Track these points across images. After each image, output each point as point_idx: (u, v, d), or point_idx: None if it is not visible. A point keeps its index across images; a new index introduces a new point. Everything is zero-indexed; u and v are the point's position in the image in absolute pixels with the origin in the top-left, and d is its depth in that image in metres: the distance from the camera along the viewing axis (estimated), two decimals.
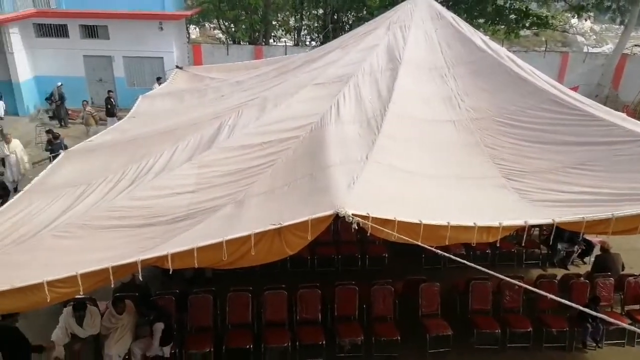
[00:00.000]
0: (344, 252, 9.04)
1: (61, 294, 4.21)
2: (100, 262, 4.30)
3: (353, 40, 9.36)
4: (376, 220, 4.04)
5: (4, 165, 11.74)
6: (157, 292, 7.52)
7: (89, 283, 4.19)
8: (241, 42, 22.32)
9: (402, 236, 4.09)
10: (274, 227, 4.10)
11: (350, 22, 23.12)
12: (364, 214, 3.98)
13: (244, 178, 5.92)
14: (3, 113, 17.08)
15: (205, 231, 4.72)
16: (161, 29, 17.82)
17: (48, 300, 4.17)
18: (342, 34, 15.57)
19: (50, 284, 4.06)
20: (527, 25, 20.68)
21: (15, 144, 11.88)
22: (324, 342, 6.78)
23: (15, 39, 16.85)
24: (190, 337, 6.89)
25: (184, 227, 5.00)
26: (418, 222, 4.22)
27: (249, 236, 4.11)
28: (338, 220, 4.23)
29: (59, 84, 16.94)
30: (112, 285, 4.35)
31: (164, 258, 4.22)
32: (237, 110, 7.68)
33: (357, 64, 7.96)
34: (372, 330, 7.03)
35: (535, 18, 20.24)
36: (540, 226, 8.25)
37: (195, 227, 4.88)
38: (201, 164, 6.43)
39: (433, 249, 3.96)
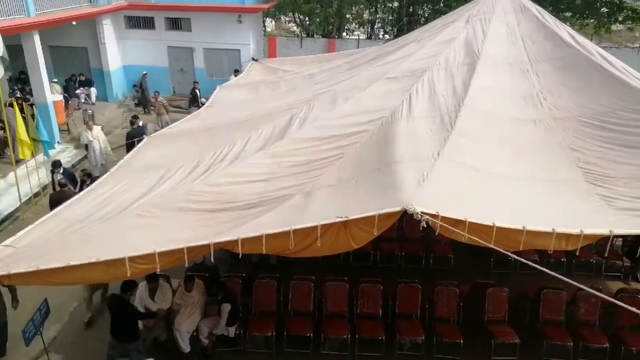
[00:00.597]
0: (407, 250, 8.92)
1: (140, 270, 4.51)
2: (176, 242, 4.56)
3: (429, 34, 9.14)
4: (446, 219, 3.95)
5: (87, 150, 12.68)
6: (225, 274, 7.87)
7: (165, 261, 4.45)
8: (314, 36, 22.51)
9: (473, 237, 3.96)
10: (340, 219, 4.13)
11: (426, 15, 22.57)
12: (433, 212, 3.91)
13: (312, 169, 6.01)
14: (94, 99, 18.51)
15: (274, 219, 4.86)
16: (240, 22, 18.39)
17: (128, 275, 4.49)
18: (417, 28, 15.25)
19: (131, 259, 4.37)
20: (619, 19, 19.05)
21: (97, 131, 12.78)
22: (383, 338, 6.76)
23: (108, 30, 18.13)
24: (254, 320, 7.14)
25: (255, 214, 5.17)
26: (491, 224, 4.07)
27: (315, 227, 4.18)
28: (404, 217, 4.19)
29: (144, 73, 18.05)
30: (187, 265, 4.58)
31: (234, 242, 4.39)
32: (309, 103, 7.79)
33: (432, 58, 7.77)
34: (433, 330, 6.91)
35: (630, 11, 18.59)
36: (624, 237, 7.65)
37: (265, 215, 5.03)
38: (273, 154, 6.61)
39: (508, 253, 3.79)
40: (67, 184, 9.12)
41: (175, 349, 6.71)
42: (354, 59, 10.51)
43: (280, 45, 20.07)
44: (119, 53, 19.15)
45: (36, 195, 11.28)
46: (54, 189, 9.84)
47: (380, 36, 23.90)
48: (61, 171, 9.05)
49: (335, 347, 6.95)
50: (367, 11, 24.32)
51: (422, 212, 3.85)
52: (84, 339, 7.36)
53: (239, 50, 18.78)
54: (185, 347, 6.73)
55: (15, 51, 13.15)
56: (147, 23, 18.97)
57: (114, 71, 18.80)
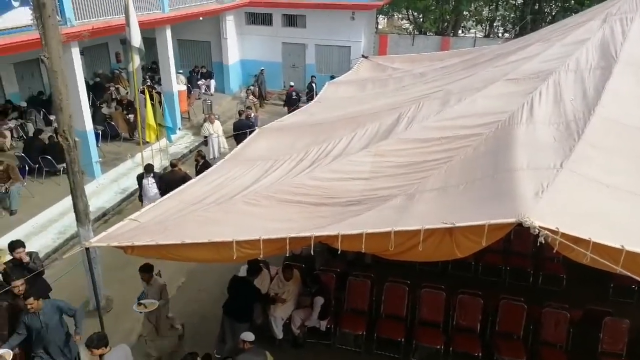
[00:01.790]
0: (513, 264, 8.33)
1: (245, 254, 4.71)
2: (279, 231, 4.69)
3: (557, 34, 8.36)
4: (566, 236, 3.56)
5: (206, 144, 13.60)
6: (320, 267, 7.99)
7: (268, 248, 4.60)
8: (427, 33, 21.91)
9: (598, 258, 3.53)
10: (446, 225, 3.93)
11: (553, 13, 20.83)
12: (552, 227, 3.54)
13: (417, 171, 5.81)
14: (213, 90, 19.89)
15: (375, 218, 4.78)
16: (353, 18, 18.52)
17: (234, 258, 4.70)
18: (542, 27, 14.10)
19: (238, 243, 4.57)
20: None
21: (217, 125, 13.69)
22: (479, 354, 6.39)
23: (230, 26, 19.34)
24: (345, 316, 7.16)
25: (356, 211, 5.14)
26: (619, 247, 3.59)
27: (418, 231, 4.02)
28: (513, 228, 3.87)
29: (262, 68, 18.92)
30: (287, 254, 4.70)
31: (334, 237, 4.39)
32: (418, 102, 7.56)
33: (560, 59, 7.09)
34: (538, 354, 6.39)
35: None
36: None
37: (366, 213, 4.97)
38: (377, 152, 6.51)
39: None
40: (177, 164, 9.97)
41: (269, 333, 6.97)
42: (470, 58, 9.99)
43: (391, 42, 19.87)
44: (238, 48, 20.34)
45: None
46: (140, 196, 9.91)
47: (500, 35, 22.53)
48: (151, 175, 9.15)
49: (426, 356, 6.72)
50: (487, 8, 23.08)
51: (540, 227, 3.52)
52: (189, 312, 7.94)
53: (349, 47, 18.93)
54: (279, 333, 6.96)
55: (149, 43, 14.57)
56: (265, 20, 19.89)
57: (232, 64, 20.02)
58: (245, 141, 8.34)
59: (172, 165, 10.07)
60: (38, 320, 5.76)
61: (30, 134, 12.93)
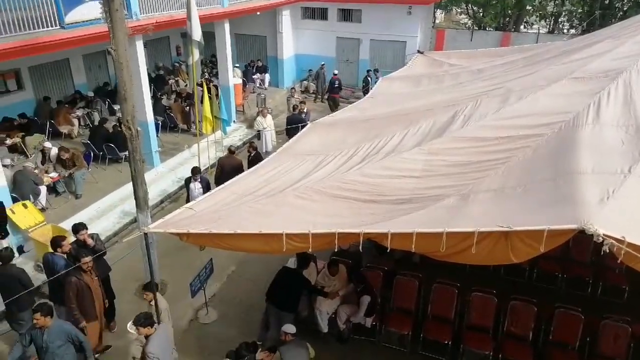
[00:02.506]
0: (571, 272, 7.94)
1: (294, 247, 4.76)
2: (328, 226, 4.70)
3: (630, 30, 7.85)
4: (633, 246, 3.35)
5: (258, 137, 13.82)
6: (367, 264, 7.95)
7: (317, 243, 4.63)
8: (487, 28, 21.16)
9: None
10: (502, 229, 3.78)
11: (625, 8, 19.54)
12: (618, 236, 3.33)
13: (472, 171, 5.64)
14: (267, 84, 20.18)
15: (426, 218, 4.69)
16: (409, 13, 18.19)
17: (283, 250, 4.77)
18: (612, 22, 13.26)
19: (288, 236, 4.63)
20: None
21: (270, 119, 13.89)
22: None
23: (286, 21, 19.53)
24: (392, 315, 7.10)
25: (406, 209, 5.06)
26: None
27: (472, 233, 3.90)
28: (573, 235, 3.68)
29: (322, 63, 18.96)
30: (336, 249, 4.71)
31: (384, 235, 4.34)
32: (475, 100, 7.32)
33: (632, 57, 6.64)
34: None
35: None
36: None
37: (417, 212, 4.88)
38: (430, 150, 6.38)
39: None
40: (235, 151, 10.29)
41: (314, 326, 7.03)
42: (533, 54, 9.56)
43: (448, 37, 19.36)
44: (293, 42, 20.50)
45: (212, 166, 12.75)
46: (187, 199, 9.49)
47: (565, 31, 21.40)
48: (199, 179, 9.05)
49: None
50: (552, 3, 21.97)
51: (604, 235, 3.32)
52: (237, 301, 8.15)
53: (405, 42, 18.63)
54: (324, 327, 7.01)
55: (208, 38, 14.97)
56: (320, 14, 19.93)
57: (286, 59, 20.22)
58: (296, 135, 8.42)
59: (230, 151, 10.62)
60: (41, 338, 5.53)
61: (96, 122, 13.68)
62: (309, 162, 6.84)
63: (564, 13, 21.97)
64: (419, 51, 14.43)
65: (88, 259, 6.27)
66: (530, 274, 8.02)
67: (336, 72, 18.25)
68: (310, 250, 4.74)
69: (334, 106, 17.77)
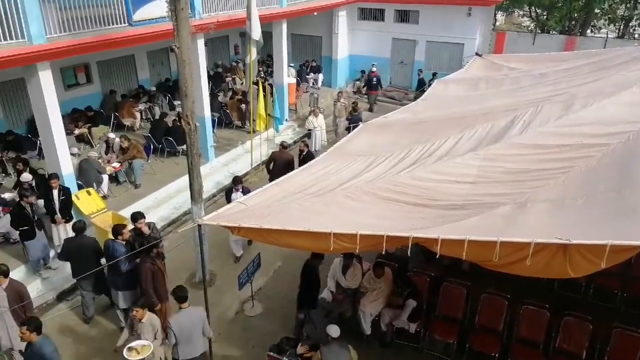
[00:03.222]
0: (631, 290, 7.49)
1: (341, 247, 4.77)
2: (377, 228, 4.68)
3: None
4: None
5: (309, 136, 13.92)
6: (414, 269, 7.84)
7: (364, 244, 4.62)
8: (551, 32, 20.27)
9: None
10: (560, 241, 3.63)
11: None
12: None
13: (530, 180, 5.44)
14: (320, 84, 20.31)
15: (479, 225, 4.57)
16: (469, 14, 17.74)
17: (331, 249, 4.79)
18: None
19: (336, 235, 4.65)
20: None
21: (321, 119, 13.96)
22: None
23: (342, 21, 19.57)
24: (437, 322, 6.97)
25: (458, 216, 4.95)
26: None
27: (528, 244, 3.76)
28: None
29: (373, 64, 18.89)
30: (383, 252, 4.68)
31: (433, 240, 4.28)
32: (537, 105, 7.06)
33: None
34: None
35: None
36: None
37: (469, 219, 4.76)
38: (485, 156, 6.21)
39: None
40: (287, 147, 10.56)
41: (357, 327, 7.02)
42: (600, 60, 9.10)
43: (509, 40, 18.72)
44: (348, 43, 20.51)
45: (263, 163, 13.01)
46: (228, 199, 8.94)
47: (636, 36, 20.15)
48: (240, 189, 8.83)
49: None
50: (624, 6, 20.72)
51: None
52: (282, 296, 8.27)
53: (462, 44, 18.18)
54: (367, 328, 6.98)
55: (265, 37, 15.25)
56: (377, 15, 19.83)
57: (341, 59, 20.26)
58: (348, 136, 8.43)
59: (283, 146, 10.86)
60: (26, 354, 5.39)
61: (157, 116, 14.28)
62: (359, 162, 6.84)
63: (635, 17, 20.67)
64: (477, 54, 14.06)
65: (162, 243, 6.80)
66: (586, 289, 7.62)
67: (375, 68, 18.07)
68: (357, 251, 4.73)
69: (372, 103, 17.98)
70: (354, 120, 12.97)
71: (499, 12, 23.70)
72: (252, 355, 7.03)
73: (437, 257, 4.32)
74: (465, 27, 17.95)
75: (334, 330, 5.79)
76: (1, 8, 7.41)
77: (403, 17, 19.34)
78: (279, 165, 10.38)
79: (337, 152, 7.70)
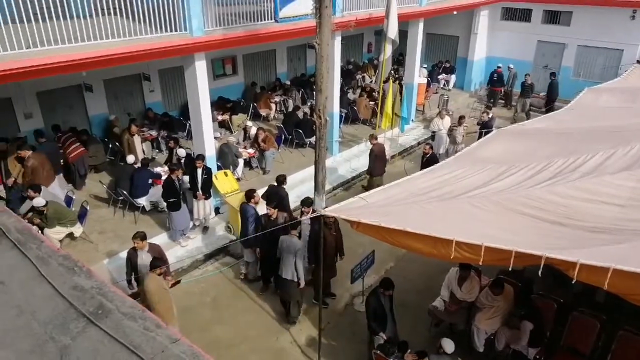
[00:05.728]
0: None
1: (463, 257, 4.59)
2: (505, 242, 4.41)
3: None
4: None
5: (433, 139, 13.40)
6: (539, 292, 7.23)
7: (489, 257, 4.39)
8: None
9: None
10: None
11: None
12: None
13: None
14: (452, 85, 19.61)
15: (628, 254, 4.05)
16: (633, 17, 15.70)
17: (451, 257, 4.64)
18: None
19: (458, 244, 4.49)
20: None
21: (447, 121, 13.36)
22: None
23: (483, 21, 18.61)
24: (561, 353, 6.38)
25: (603, 240, 4.45)
26: None
27: None
28: None
29: (509, 65, 17.74)
30: (510, 269, 4.39)
31: (570, 264, 3.91)
32: None
33: None
34: None
35: None
36: None
37: (617, 245, 4.25)
38: None
39: None
40: (377, 138, 11.15)
41: (469, 342, 6.71)
42: None
43: None
44: (486, 44, 19.48)
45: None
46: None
47: None
48: (284, 189, 8.89)
49: None
50: None
51: None
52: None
53: (621, 50, 16.19)
54: (480, 346, 6.64)
55: (399, 36, 15.16)
56: (522, 15, 18.53)
57: (476, 61, 19.33)
58: (479, 141, 8.05)
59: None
60: None
61: (290, 109, 15.06)
62: (489, 170, 6.50)
63: None
64: (638, 61, 12.41)
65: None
66: None
67: (500, 65, 17.75)
68: (480, 263, 4.51)
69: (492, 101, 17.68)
70: (485, 127, 12.30)
71: None
72: (357, 350, 7.11)
73: (573, 282, 3.94)
74: (628, 31, 15.92)
75: (448, 346, 5.61)
76: (170, 4, 8.41)
77: (552, 18, 17.78)
78: (376, 154, 11.09)
79: (466, 158, 7.40)
